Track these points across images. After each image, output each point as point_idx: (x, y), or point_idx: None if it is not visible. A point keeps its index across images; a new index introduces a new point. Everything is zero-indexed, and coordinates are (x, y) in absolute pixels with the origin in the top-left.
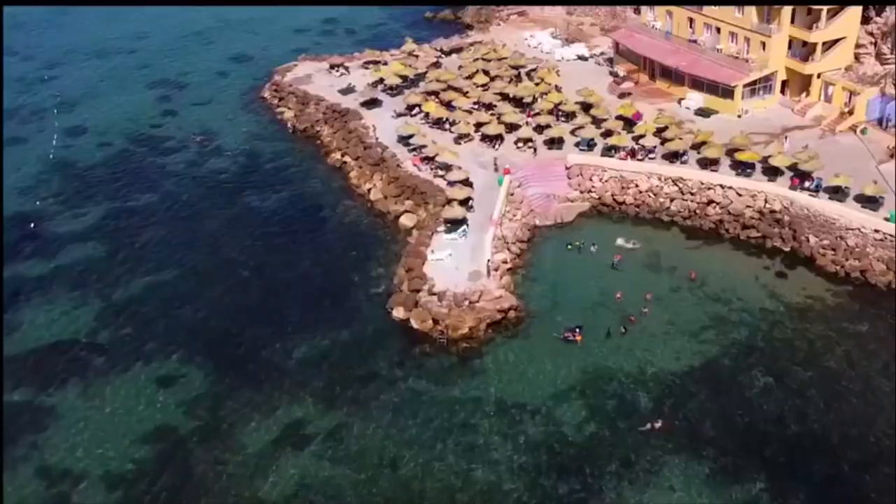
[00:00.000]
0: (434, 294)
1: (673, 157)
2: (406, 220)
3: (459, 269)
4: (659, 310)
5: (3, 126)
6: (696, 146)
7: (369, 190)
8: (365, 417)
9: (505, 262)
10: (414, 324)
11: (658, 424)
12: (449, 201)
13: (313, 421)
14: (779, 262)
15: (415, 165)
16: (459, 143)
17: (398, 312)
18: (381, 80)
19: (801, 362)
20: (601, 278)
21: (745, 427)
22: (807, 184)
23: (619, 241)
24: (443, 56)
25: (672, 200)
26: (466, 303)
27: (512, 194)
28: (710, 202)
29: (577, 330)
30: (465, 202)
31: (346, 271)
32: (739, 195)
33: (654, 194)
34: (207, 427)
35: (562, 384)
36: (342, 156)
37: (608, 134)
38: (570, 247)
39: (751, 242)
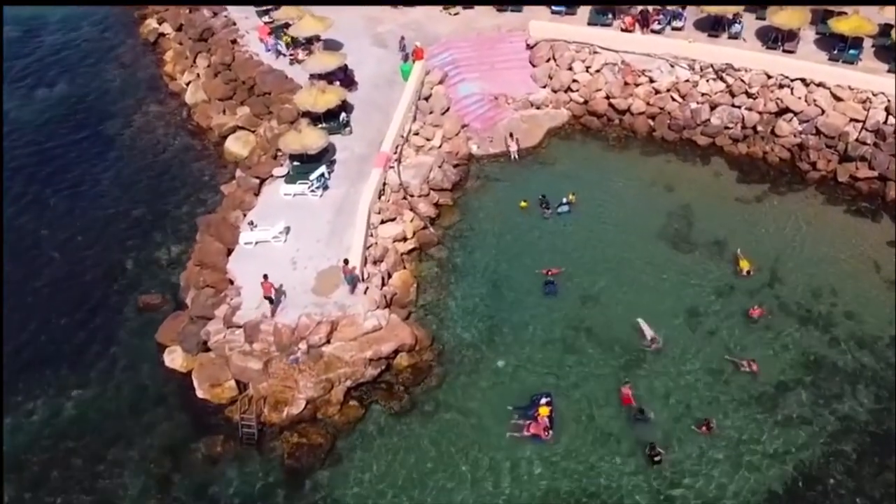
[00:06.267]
0: (239, 326)
1: (715, 25)
2: (235, 146)
3: (300, 264)
4: (685, 337)
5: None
6: (756, 3)
7: (187, 84)
8: None
9: (402, 238)
10: (199, 390)
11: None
12: (300, 115)
13: None
14: None
15: (262, 41)
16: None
17: (171, 359)
18: None
19: None
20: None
21: None
22: None
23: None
24: None
25: (713, 108)
26: (304, 346)
27: (428, 98)
28: (784, 111)
29: (545, 409)
30: (332, 116)
31: (112, 250)
32: (838, 98)
33: (682, 96)
34: None
35: None
36: (159, 23)
37: None
38: (525, 204)
39: (859, 190)
